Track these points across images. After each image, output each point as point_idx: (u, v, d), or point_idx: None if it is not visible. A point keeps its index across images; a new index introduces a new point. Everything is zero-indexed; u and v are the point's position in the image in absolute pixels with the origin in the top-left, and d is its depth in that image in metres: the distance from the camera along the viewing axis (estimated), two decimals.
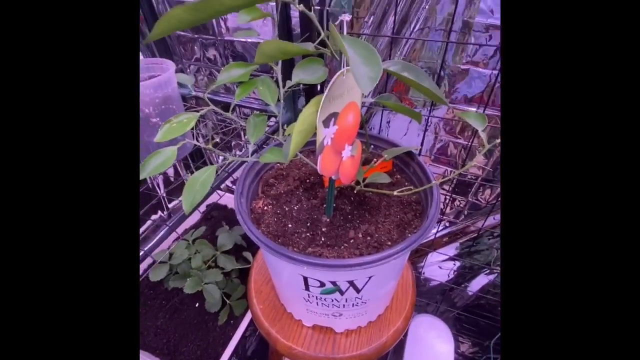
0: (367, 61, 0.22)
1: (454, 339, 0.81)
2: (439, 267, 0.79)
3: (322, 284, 0.38)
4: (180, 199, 0.89)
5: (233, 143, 0.92)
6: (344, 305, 0.42)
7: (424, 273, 0.83)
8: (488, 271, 0.75)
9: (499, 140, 0.28)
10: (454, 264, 0.79)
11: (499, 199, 0.64)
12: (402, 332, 0.51)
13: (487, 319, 0.81)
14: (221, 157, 0.87)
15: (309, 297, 0.41)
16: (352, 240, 0.39)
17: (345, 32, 0.27)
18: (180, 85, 0.56)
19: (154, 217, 0.82)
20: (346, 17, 0.25)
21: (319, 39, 0.29)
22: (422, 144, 0.59)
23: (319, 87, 0.63)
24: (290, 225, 0.41)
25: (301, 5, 0.26)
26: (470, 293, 0.80)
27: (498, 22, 0.45)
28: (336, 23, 0.26)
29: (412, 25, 0.50)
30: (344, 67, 0.29)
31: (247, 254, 0.71)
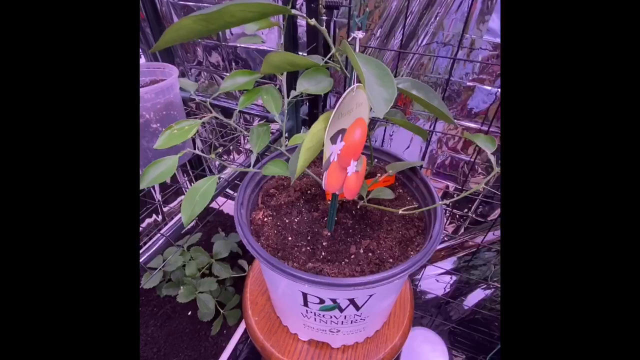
0: (382, 82, 0.22)
1: (448, 353, 0.81)
2: (436, 280, 0.79)
3: (322, 301, 0.37)
4: (175, 203, 0.88)
5: (231, 147, 0.91)
6: (342, 322, 0.41)
7: (420, 286, 0.83)
8: (485, 286, 0.75)
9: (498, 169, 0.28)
10: (451, 278, 0.79)
11: (498, 215, 0.64)
12: (400, 349, 0.51)
13: (483, 334, 0.80)
14: (222, 165, 0.86)
15: (307, 312, 0.40)
16: (353, 256, 0.38)
17: (357, 50, 0.26)
18: (182, 89, 0.55)
19: (148, 220, 0.81)
20: (359, 35, 0.25)
21: (330, 54, 0.28)
22: (424, 158, 0.59)
23: (322, 95, 0.62)
24: (290, 238, 0.40)
25: (313, 20, 0.25)
26: (466, 307, 0.80)
27: None
28: (349, 40, 0.25)
29: (420, 40, 0.50)
30: (353, 83, 0.28)
31: (243, 262, 0.70)
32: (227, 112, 0.76)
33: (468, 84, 0.50)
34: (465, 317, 0.83)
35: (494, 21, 0.45)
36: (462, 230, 0.71)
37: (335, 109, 0.26)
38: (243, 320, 0.58)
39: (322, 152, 0.30)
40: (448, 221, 0.71)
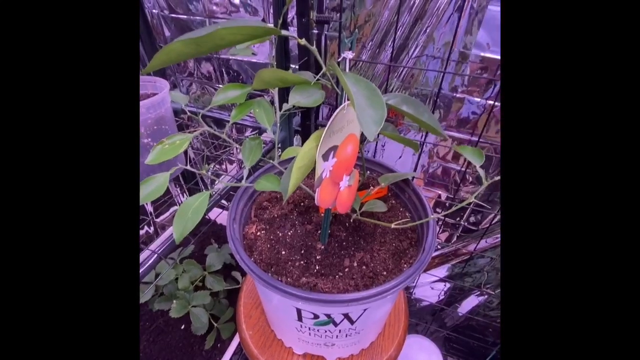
0: (371, 103, 0.22)
1: (443, 359, 0.81)
2: (431, 288, 0.79)
3: (316, 316, 0.37)
4: (167, 214, 0.87)
5: (223, 157, 0.91)
6: (337, 336, 0.41)
7: (414, 293, 0.83)
8: (478, 292, 0.75)
9: (498, 178, 0.28)
10: (445, 285, 0.79)
11: (492, 223, 0.64)
12: (395, 359, 0.50)
13: (477, 340, 0.80)
14: (215, 177, 0.85)
15: (301, 327, 0.40)
16: (347, 269, 0.38)
17: (347, 69, 0.26)
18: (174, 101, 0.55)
19: (140, 232, 0.80)
20: (349, 55, 0.25)
21: (320, 73, 0.28)
22: (415, 168, 0.59)
23: (315, 106, 0.63)
24: (283, 252, 0.40)
25: (303, 40, 0.25)
26: (460, 314, 0.80)
27: (492, 55, 0.46)
28: (339, 60, 0.26)
29: (411, 52, 0.51)
30: (344, 101, 0.29)
31: (236, 274, 0.69)
32: (220, 123, 0.75)
33: (457, 95, 0.51)
34: (459, 324, 0.83)
35: (482, 35, 0.46)
36: (454, 239, 0.71)
37: (327, 127, 0.26)
38: (237, 333, 0.57)
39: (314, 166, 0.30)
40: (441, 229, 0.72)
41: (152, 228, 0.81)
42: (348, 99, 0.29)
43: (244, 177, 0.40)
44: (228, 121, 0.41)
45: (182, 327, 0.64)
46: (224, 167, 0.93)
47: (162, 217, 0.83)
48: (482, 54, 0.47)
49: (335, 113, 0.26)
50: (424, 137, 0.55)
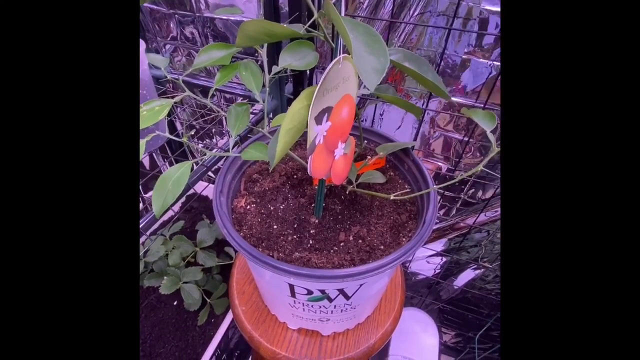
0: (372, 50, 0.18)
1: (438, 332, 0.82)
2: (427, 262, 0.79)
3: (310, 292, 0.35)
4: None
5: (214, 130, 0.86)
6: (332, 312, 0.39)
7: (410, 267, 0.82)
8: (475, 266, 0.75)
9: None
10: (441, 259, 0.78)
11: (494, 195, 0.62)
12: (391, 333, 0.50)
13: (472, 312, 0.81)
14: (200, 147, 0.81)
15: (294, 303, 0.39)
16: (342, 244, 0.36)
17: (343, 13, 0.23)
18: (153, 66, 0.50)
19: None
20: None
21: (311, 20, 0.25)
22: (416, 138, 0.56)
23: (308, 72, 0.58)
24: (275, 227, 0.38)
25: None
26: (456, 287, 0.80)
27: None
28: (332, 1, 0.22)
29: (412, 10, 0.46)
30: (339, 54, 0.25)
31: (230, 250, 0.68)
32: (208, 92, 0.71)
33: (463, 57, 0.47)
34: (455, 297, 0.83)
35: None
36: (453, 212, 0.70)
37: (319, 84, 0.23)
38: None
39: (305, 133, 0.27)
40: (439, 203, 0.70)
41: (141, 204, 0.78)
42: (344, 52, 0.25)
43: (231, 147, 0.37)
44: (216, 89, 0.37)
45: (175, 303, 0.63)
46: (214, 140, 0.89)
47: (150, 193, 0.80)
48: (493, 8, 0.42)
49: (329, 67, 0.23)
50: (425, 104, 0.51)
